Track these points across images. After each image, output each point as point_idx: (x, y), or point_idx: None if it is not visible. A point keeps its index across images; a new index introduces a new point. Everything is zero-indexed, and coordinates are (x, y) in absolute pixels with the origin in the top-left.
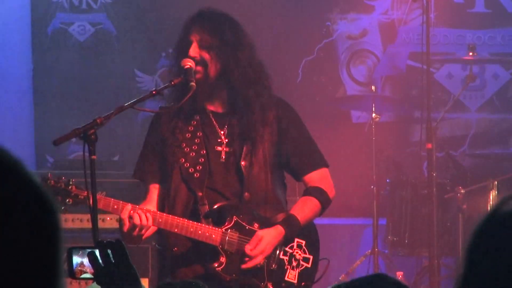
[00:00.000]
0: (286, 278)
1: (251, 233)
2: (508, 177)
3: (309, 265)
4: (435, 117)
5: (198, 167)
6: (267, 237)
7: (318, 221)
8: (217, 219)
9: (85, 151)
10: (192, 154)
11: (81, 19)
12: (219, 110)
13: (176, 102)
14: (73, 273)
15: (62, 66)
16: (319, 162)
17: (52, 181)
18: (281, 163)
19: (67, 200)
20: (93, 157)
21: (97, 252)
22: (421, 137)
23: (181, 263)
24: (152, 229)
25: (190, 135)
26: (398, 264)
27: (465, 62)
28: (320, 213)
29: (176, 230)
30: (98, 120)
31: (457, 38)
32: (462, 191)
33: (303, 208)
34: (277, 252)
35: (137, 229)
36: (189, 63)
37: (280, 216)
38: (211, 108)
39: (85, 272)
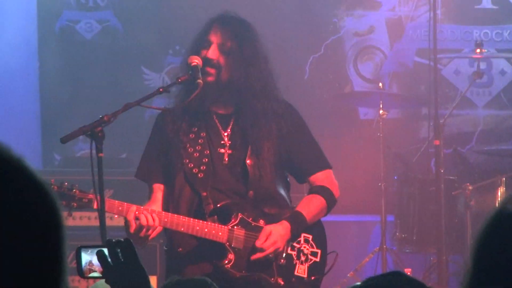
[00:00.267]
0: (295, 273)
1: (257, 229)
2: None
3: (317, 259)
4: (443, 113)
5: (202, 167)
6: (276, 231)
7: (326, 218)
8: (222, 217)
9: (92, 149)
10: (196, 154)
11: (88, 16)
12: (223, 111)
13: (182, 100)
14: (82, 272)
15: (69, 64)
16: (324, 164)
17: (55, 187)
18: (284, 163)
19: (72, 204)
20: (100, 154)
21: (106, 250)
22: (428, 134)
23: (188, 262)
24: (158, 229)
25: (193, 135)
26: (406, 261)
27: (473, 57)
28: (327, 212)
29: (182, 229)
30: (105, 118)
31: (464, 35)
32: (470, 187)
33: (309, 205)
34: (285, 247)
35: (143, 230)
36: (196, 61)
37: (286, 213)
38: (215, 109)
39: (94, 271)
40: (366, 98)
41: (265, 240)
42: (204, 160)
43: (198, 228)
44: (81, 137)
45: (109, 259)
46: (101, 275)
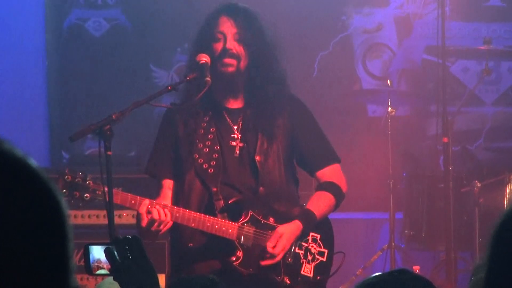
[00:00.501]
0: (302, 272)
1: (267, 227)
2: None
3: (324, 259)
4: (451, 111)
5: (212, 163)
6: (287, 234)
7: (334, 215)
8: (233, 213)
9: (100, 147)
10: (206, 150)
11: (97, 15)
12: (233, 105)
13: (191, 98)
14: (90, 269)
15: (77, 62)
16: (332, 158)
17: (70, 176)
18: (295, 158)
19: (85, 195)
20: (109, 153)
21: (114, 248)
22: (437, 131)
23: (196, 258)
24: (169, 224)
25: (203, 131)
26: (415, 258)
27: (481, 55)
28: (335, 208)
29: (193, 224)
30: (113, 116)
31: (473, 32)
32: (478, 184)
33: (319, 203)
34: (293, 246)
35: (155, 224)
36: (204, 58)
37: (295, 210)
38: (224, 103)
39: (102, 268)
40: (374, 96)
41: (276, 244)
42: (214, 156)
43: (209, 224)
44: (90, 135)
45: (117, 257)
46: (109, 273)
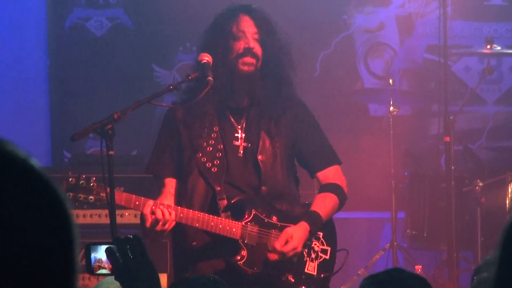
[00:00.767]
0: (305, 270)
1: (270, 226)
2: None
3: (327, 257)
4: (453, 110)
5: (215, 162)
6: (297, 234)
7: (336, 215)
8: (236, 212)
9: (102, 146)
10: (209, 148)
11: (98, 14)
12: (236, 105)
13: (193, 97)
14: (91, 269)
15: (79, 61)
16: (332, 159)
17: (73, 179)
18: (296, 158)
19: (90, 197)
20: (111, 152)
21: (115, 247)
22: (438, 130)
23: (200, 257)
24: (173, 224)
25: (206, 130)
26: (417, 258)
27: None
28: (339, 209)
29: (197, 224)
30: (115, 115)
31: (474, 31)
32: (480, 184)
33: (324, 204)
34: (302, 249)
35: (160, 224)
36: (206, 58)
37: (297, 209)
38: (228, 102)
39: (103, 268)
40: (376, 95)
41: (285, 244)
42: (217, 155)
43: (212, 224)
44: (91, 134)
45: (118, 256)
46: (110, 272)
